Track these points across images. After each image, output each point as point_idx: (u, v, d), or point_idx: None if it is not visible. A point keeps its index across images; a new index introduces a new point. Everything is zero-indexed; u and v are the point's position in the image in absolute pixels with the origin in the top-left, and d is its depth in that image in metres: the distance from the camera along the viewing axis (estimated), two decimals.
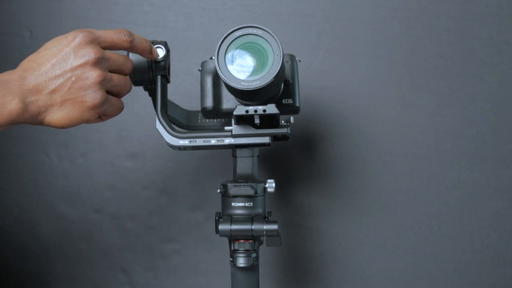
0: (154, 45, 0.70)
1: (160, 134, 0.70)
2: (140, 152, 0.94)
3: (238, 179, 0.75)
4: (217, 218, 0.72)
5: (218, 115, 0.72)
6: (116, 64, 0.64)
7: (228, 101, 0.70)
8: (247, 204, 0.71)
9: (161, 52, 0.69)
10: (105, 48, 0.62)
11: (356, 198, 0.92)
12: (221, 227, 0.70)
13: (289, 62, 0.70)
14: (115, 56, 0.64)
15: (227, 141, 0.70)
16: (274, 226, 0.69)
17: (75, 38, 0.60)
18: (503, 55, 0.90)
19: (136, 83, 0.71)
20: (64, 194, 0.95)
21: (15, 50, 0.95)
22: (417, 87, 0.91)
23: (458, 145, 0.91)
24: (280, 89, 0.69)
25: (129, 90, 0.66)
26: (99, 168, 0.94)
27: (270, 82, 0.62)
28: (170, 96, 0.73)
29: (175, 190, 0.94)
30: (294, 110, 0.70)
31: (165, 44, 0.70)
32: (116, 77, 0.63)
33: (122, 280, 0.95)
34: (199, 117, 0.81)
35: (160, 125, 0.70)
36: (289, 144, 0.91)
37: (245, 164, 0.75)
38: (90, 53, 0.60)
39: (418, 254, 0.92)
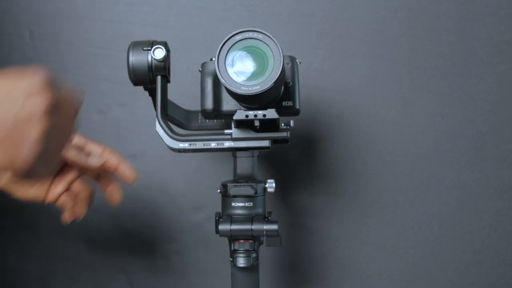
0: (154, 45, 0.70)
1: (160, 137, 0.70)
2: (140, 152, 0.94)
3: (238, 179, 0.75)
4: (217, 218, 0.72)
5: (218, 116, 0.72)
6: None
7: (228, 103, 0.70)
8: (247, 204, 0.71)
9: (161, 53, 0.69)
10: None
11: (356, 198, 0.92)
12: (221, 227, 0.70)
13: (290, 64, 0.70)
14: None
15: (227, 144, 0.70)
16: (274, 226, 0.69)
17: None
18: (503, 55, 0.90)
19: (136, 83, 0.71)
20: None
21: (15, 50, 0.95)
22: (417, 87, 0.91)
23: (458, 145, 0.91)
24: (280, 92, 0.69)
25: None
26: None
27: (270, 87, 0.62)
28: (170, 96, 0.73)
29: (175, 190, 0.94)
30: (294, 112, 0.70)
31: (165, 44, 0.70)
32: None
33: (122, 280, 0.95)
34: (199, 117, 0.81)
35: (160, 128, 0.70)
36: (289, 145, 0.91)
37: (245, 164, 0.75)
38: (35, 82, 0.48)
39: (418, 254, 0.92)
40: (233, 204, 0.72)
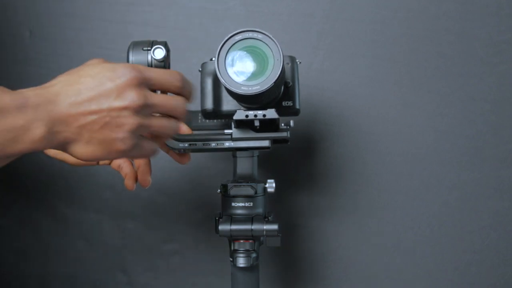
0: (154, 45, 0.69)
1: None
2: None
3: (238, 179, 0.75)
4: (217, 218, 0.72)
5: (218, 117, 0.72)
6: (163, 109, 0.59)
7: (228, 103, 0.70)
8: (247, 204, 0.71)
9: (161, 53, 0.69)
10: (153, 90, 0.59)
11: (356, 198, 0.92)
12: (221, 227, 0.70)
13: (290, 64, 0.70)
14: (164, 101, 0.59)
15: (227, 144, 0.70)
16: (274, 226, 0.69)
17: (123, 76, 0.55)
18: (503, 55, 0.90)
19: None
20: (64, 194, 0.95)
21: (15, 50, 0.95)
22: (417, 87, 0.91)
23: (458, 145, 0.91)
24: (280, 92, 0.69)
25: (173, 133, 0.62)
26: (99, 168, 0.94)
27: (270, 87, 0.62)
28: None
29: (175, 190, 0.94)
30: (294, 112, 0.70)
31: (165, 44, 0.70)
32: (156, 123, 0.58)
33: (122, 280, 0.95)
34: (199, 117, 0.80)
35: None
36: (289, 145, 0.91)
37: (245, 164, 0.75)
38: (134, 98, 0.55)
39: (418, 254, 0.92)
40: (233, 204, 0.72)
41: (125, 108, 0.55)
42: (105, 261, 0.95)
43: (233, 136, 0.70)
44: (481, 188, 0.91)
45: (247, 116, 0.66)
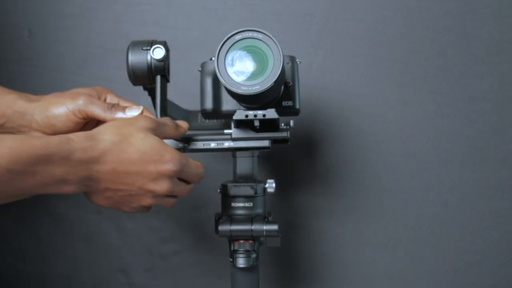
0: (154, 44, 0.69)
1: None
2: None
3: (238, 179, 0.75)
4: (217, 218, 0.72)
5: (217, 116, 0.72)
6: (179, 195, 0.65)
7: (228, 103, 0.69)
8: (247, 205, 0.71)
9: (160, 52, 0.69)
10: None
11: (357, 198, 0.92)
12: (221, 227, 0.70)
13: (290, 64, 0.70)
14: (182, 190, 0.64)
15: (227, 144, 0.70)
16: (274, 227, 0.69)
17: (167, 165, 0.60)
18: (504, 54, 0.90)
19: (136, 83, 0.71)
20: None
21: (14, 50, 0.95)
22: (418, 87, 0.91)
23: (459, 145, 0.91)
24: (280, 92, 0.69)
25: (187, 195, 0.66)
26: None
27: (270, 87, 0.62)
28: (170, 96, 0.73)
29: None
30: (294, 112, 0.70)
31: (164, 44, 0.70)
32: (177, 189, 0.63)
33: (121, 281, 0.95)
34: (199, 117, 0.80)
35: None
36: (289, 145, 0.91)
37: (245, 164, 0.75)
38: (164, 187, 0.60)
39: (419, 255, 0.92)
40: (233, 204, 0.71)
41: (152, 192, 0.60)
42: (104, 261, 0.95)
43: (233, 136, 0.69)
44: (482, 188, 0.91)
45: (247, 116, 0.66)
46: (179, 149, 0.71)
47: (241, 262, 0.71)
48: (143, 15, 0.93)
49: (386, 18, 0.91)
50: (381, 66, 0.91)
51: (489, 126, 0.91)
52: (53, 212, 0.95)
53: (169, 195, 0.64)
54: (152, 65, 0.69)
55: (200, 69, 0.71)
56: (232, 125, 0.70)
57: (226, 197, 0.72)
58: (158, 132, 0.62)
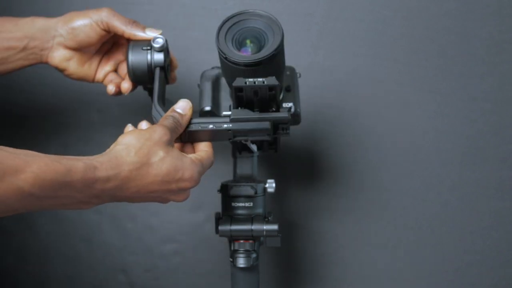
0: (154, 39, 0.70)
1: (156, 121, 0.69)
2: None
3: (238, 179, 0.75)
4: (217, 218, 0.72)
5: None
6: None
7: (226, 108, 0.69)
8: (247, 204, 0.71)
9: (160, 42, 0.69)
10: None
11: (357, 198, 0.92)
12: (221, 227, 0.70)
13: (289, 73, 0.70)
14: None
15: (225, 126, 0.67)
16: (274, 227, 0.69)
17: (188, 181, 0.62)
18: (504, 54, 0.90)
19: (136, 83, 0.71)
20: None
21: None
22: (418, 87, 0.91)
23: (459, 145, 0.91)
24: (281, 89, 0.68)
25: None
26: None
27: (272, 54, 0.61)
28: (170, 96, 0.73)
29: None
30: (295, 115, 0.70)
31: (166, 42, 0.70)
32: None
33: (122, 281, 0.95)
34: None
35: (156, 112, 0.68)
36: (289, 144, 0.91)
37: (245, 164, 0.75)
38: (184, 197, 0.65)
39: (419, 255, 0.92)
40: (233, 204, 0.71)
41: (174, 200, 0.65)
42: (105, 261, 0.95)
43: (232, 117, 0.66)
44: (482, 188, 0.91)
45: (246, 83, 0.63)
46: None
47: (241, 262, 0.71)
48: (143, 15, 0.93)
49: (386, 18, 0.91)
50: (381, 66, 0.91)
51: (489, 126, 0.91)
52: (53, 212, 0.95)
53: None
54: (152, 64, 0.69)
55: (199, 83, 0.71)
56: (231, 107, 0.69)
57: (226, 197, 0.72)
58: (173, 140, 0.64)
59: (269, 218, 0.72)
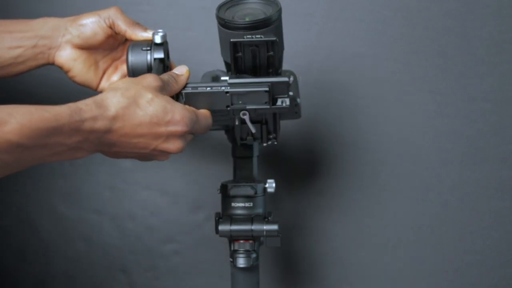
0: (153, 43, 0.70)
1: None
2: None
3: (238, 179, 0.75)
4: (217, 218, 0.72)
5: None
6: (192, 135, 0.65)
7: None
8: (247, 205, 0.71)
9: (160, 35, 0.69)
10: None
11: (357, 198, 0.92)
12: (221, 227, 0.70)
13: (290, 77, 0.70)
14: (196, 132, 0.65)
15: (223, 88, 0.65)
16: (274, 227, 0.69)
17: (178, 125, 0.60)
18: (505, 54, 0.90)
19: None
20: (63, 194, 0.95)
21: None
22: (418, 87, 0.91)
23: (459, 145, 0.91)
24: (280, 57, 0.68)
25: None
26: (99, 168, 0.94)
27: (270, 17, 0.62)
28: None
29: (175, 190, 0.94)
30: (296, 106, 0.69)
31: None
32: (187, 140, 0.64)
33: (122, 281, 0.95)
34: None
35: None
36: (289, 145, 0.91)
37: (245, 164, 0.75)
38: (176, 146, 0.61)
39: (419, 255, 0.92)
40: (233, 204, 0.71)
41: (165, 151, 0.61)
42: (104, 261, 0.95)
43: (229, 81, 0.65)
44: (482, 188, 0.91)
45: (244, 37, 0.63)
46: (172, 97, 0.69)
47: (241, 262, 0.71)
48: (143, 15, 0.93)
49: (386, 18, 0.91)
50: (381, 66, 0.91)
51: (489, 126, 0.91)
52: (53, 212, 0.95)
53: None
54: (152, 61, 0.69)
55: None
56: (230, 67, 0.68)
57: (226, 197, 0.72)
58: (165, 90, 0.62)
59: (269, 218, 0.72)
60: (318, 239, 0.93)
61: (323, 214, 0.92)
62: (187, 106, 0.63)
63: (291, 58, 0.70)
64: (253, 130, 0.68)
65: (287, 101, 0.65)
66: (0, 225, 0.96)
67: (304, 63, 0.90)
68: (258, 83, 0.64)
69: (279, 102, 0.65)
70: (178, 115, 0.60)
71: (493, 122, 0.91)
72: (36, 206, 0.96)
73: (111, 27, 0.71)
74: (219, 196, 0.73)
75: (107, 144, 0.58)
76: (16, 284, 0.96)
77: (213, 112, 0.66)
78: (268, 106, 0.65)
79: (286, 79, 0.65)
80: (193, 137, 0.66)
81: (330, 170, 0.92)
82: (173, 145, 0.61)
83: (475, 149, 0.91)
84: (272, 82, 0.64)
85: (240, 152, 0.75)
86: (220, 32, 0.65)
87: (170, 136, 0.60)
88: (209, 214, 0.93)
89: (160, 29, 0.71)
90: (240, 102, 0.65)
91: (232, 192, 0.71)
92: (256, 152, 0.76)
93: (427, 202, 0.92)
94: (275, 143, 0.71)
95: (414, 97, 0.91)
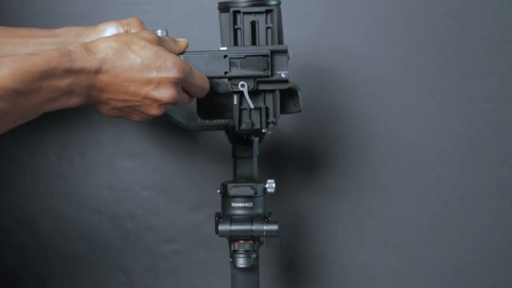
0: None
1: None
2: (139, 152, 0.93)
3: (238, 179, 0.75)
4: (217, 218, 0.72)
5: (214, 99, 0.70)
6: (181, 103, 0.65)
7: (223, 84, 0.69)
8: (247, 205, 0.71)
9: (162, 32, 0.70)
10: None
11: (357, 199, 0.92)
12: (221, 227, 0.70)
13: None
14: (185, 99, 0.64)
15: (221, 49, 0.67)
16: (274, 227, 0.69)
17: (171, 71, 0.59)
18: (504, 54, 0.90)
19: None
20: (63, 194, 0.95)
21: None
22: (418, 87, 0.91)
23: (459, 145, 0.91)
24: (280, 36, 0.69)
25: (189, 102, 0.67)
26: (98, 168, 0.94)
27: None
28: None
29: (175, 190, 0.94)
30: (293, 93, 0.70)
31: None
32: (180, 98, 0.63)
33: (121, 281, 0.95)
34: (199, 118, 0.80)
35: None
36: (289, 145, 0.91)
37: (245, 164, 0.75)
38: (168, 95, 0.60)
39: (419, 255, 0.92)
40: (233, 204, 0.71)
41: (157, 101, 0.60)
42: (104, 261, 0.95)
43: (228, 48, 0.66)
44: (482, 188, 0.91)
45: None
46: None
47: (241, 262, 0.71)
48: (143, 15, 0.93)
49: (386, 18, 0.91)
50: (381, 66, 0.91)
51: (489, 126, 0.91)
52: (53, 212, 0.95)
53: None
54: None
55: None
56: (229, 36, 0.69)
57: (226, 197, 0.72)
58: (160, 45, 0.62)
59: (269, 218, 0.72)
60: (318, 239, 0.93)
61: (323, 214, 0.92)
62: (182, 59, 0.62)
63: (291, 58, 0.70)
64: (252, 106, 0.67)
65: (287, 73, 0.66)
66: (0, 225, 0.96)
67: (304, 62, 0.90)
68: (258, 48, 0.65)
69: (277, 75, 0.66)
70: (170, 62, 0.59)
71: (493, 122, 0.91)
72: (36, 206, 0.96)
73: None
74: (219, 196, 0.73)
75: (98, 89, 0.58)
76: (16, 284, 0.96)
77: (212, 80, 0.67)
78: (267, 73, 0.65)
79: (285, 46, 0.66)
80: (189, 98, 0.65)
81: (330, 170, 0.92)
82: (165, 93, 0.60)
83: (475, 149, 0.91)
84: (271, 50, 0.65)
85: (240, 152, 0.75)
86: (221, 21, 0.66)
87: (161, 82, 0.59)
88: (209, 214, 0.92)
89: (160, 29, 0.71)
90: (239, 67, 0.65)
91: (232, 192, 0.71)
92: (256, 152, 0.76)
93: (427, 202, 0.92)
94: (275, 127, 0.69)
95: (414, 97, 0.91)
